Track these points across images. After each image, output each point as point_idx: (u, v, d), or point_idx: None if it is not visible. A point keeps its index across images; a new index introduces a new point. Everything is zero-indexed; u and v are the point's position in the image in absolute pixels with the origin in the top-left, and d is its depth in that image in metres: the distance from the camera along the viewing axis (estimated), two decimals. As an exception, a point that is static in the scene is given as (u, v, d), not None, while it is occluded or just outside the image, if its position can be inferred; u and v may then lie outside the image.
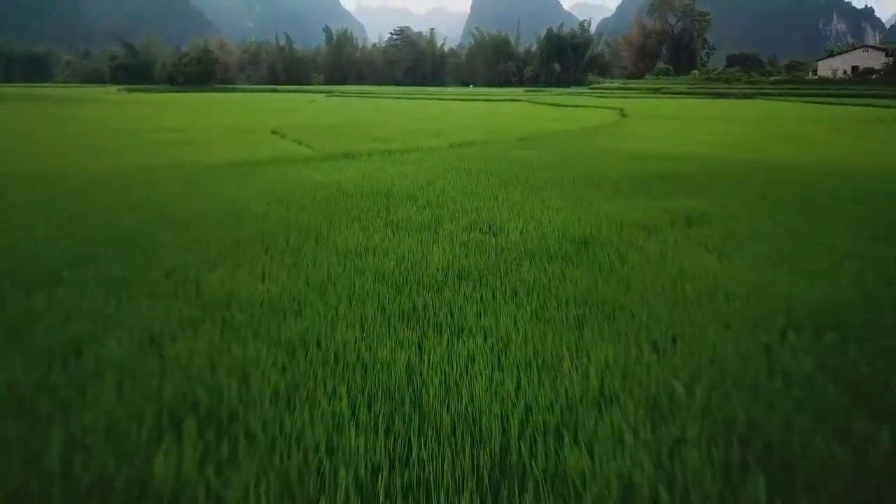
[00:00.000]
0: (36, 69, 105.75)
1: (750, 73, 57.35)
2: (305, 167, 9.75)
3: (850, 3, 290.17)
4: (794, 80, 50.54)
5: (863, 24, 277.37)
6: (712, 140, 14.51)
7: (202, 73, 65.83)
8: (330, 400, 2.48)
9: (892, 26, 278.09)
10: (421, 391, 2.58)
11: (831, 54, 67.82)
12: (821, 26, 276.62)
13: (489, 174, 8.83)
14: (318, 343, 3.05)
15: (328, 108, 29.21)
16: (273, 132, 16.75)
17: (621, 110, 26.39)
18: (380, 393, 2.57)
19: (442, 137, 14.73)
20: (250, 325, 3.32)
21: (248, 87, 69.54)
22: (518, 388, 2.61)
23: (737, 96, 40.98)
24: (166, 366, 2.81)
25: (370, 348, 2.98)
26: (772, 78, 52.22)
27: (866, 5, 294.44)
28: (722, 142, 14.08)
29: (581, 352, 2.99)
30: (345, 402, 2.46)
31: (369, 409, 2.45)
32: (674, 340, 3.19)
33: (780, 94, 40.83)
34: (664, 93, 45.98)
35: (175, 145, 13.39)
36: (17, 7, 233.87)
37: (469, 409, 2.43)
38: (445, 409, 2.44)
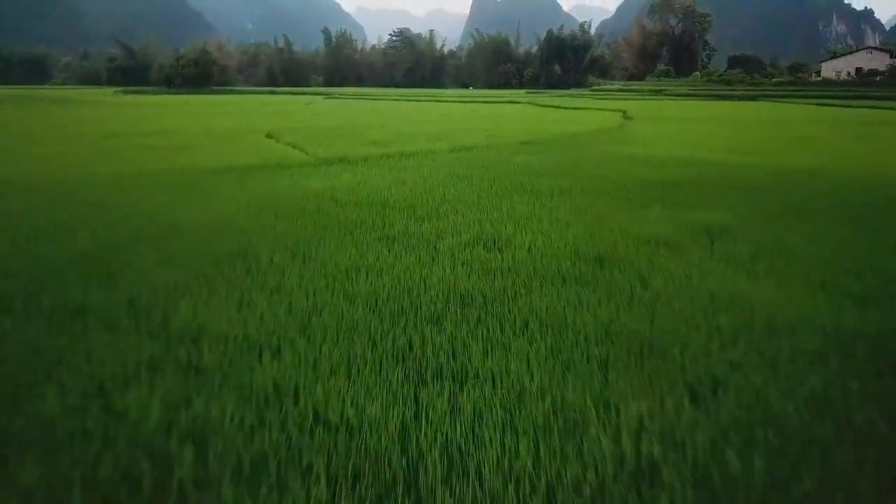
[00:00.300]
0: (34, 71, 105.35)
1: (752, 74, 56.90)
2: (298, 173, 9.28)
3: (849, 5, 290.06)
4: (797, 82, 50.10)
5: (863, 26, 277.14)
6: (722, 144, 14.04)
7: (200, 74, 65.23)
8: (304, 480, 2.00)
9: (892, 28, 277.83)
10: (418, 465, 2.10)
11: (834, 56, 67.36)
12: (821, 28, 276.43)
13: (492, 181, 8.37)
14: (296, 395, 2.57)
15: (325, 111, 28.76)
16: (268, 135, 16.28)
17: (624, 112, 25.94)
18: (367, 467, 2.09)
19: (442, 141, 14.27)
20: (219, 368, 2.84)
21: (245, 89, 69.04)
22: (537, 460, 2.13)
23: (740, 98, 40.53)
24: (111, 426, 2.33)
25: (357, 403, 2.50)
26: (774, 80, 51.78)
27: (866, 7, 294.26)
28: (732, 145, 13.61)
29: (609, 406, 2.51)
30: (322, 482, 1.98)
31: (353, 489, 1.97)
32: (715, 388, 2.71)
33: (784, 96, 40.40)
34: (666, 94, 45.54)
35: (166, 150, 12.91)
36: (16, 8, 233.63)
37: (478, 494, 1.95)
38: (448, 491, 1.96)
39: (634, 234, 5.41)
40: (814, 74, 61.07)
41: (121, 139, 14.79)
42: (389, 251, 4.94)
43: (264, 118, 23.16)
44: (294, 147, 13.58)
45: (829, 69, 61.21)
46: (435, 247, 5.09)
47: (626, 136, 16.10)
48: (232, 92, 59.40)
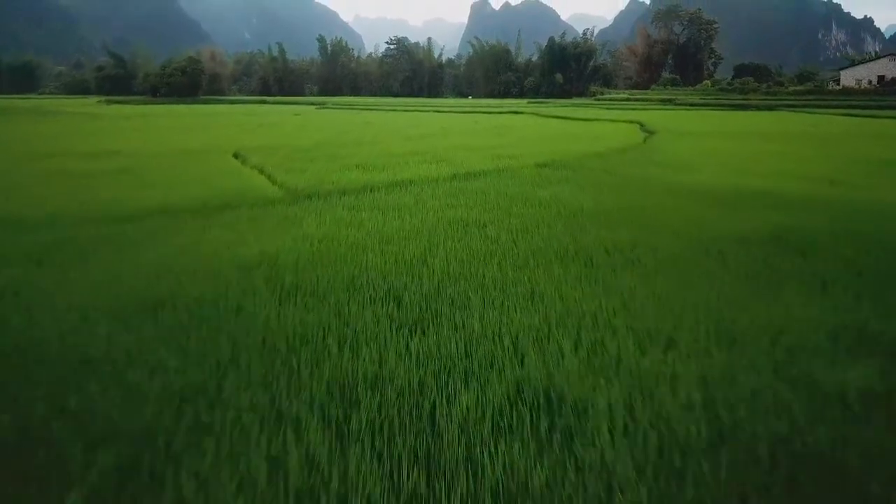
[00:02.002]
0: (23, 80, 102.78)
1: (767, 83, 54.50)
2: (244, 220, 6.72)
3: (849, 14, 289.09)
4: (817, 91, 47.66)
5: (862, 35, 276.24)
6: (782, 166, 11.51)
7: (187, 84, 62.16)
8: None
9: (891, 36, 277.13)
10: None
11: (853, 63, 64.73)
12: (820, 36, 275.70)
13: (515, 234, 5.83)
14: None
15: (313, 123, 26.21)
16: (235, 155, 13.76)
17: (642, 125, 23.45)
18: None
19: (441, 164, 11.75)
20: None
21: (235, 98, 66.23)
22: None
23: (757, 108, 38.12)
24: None
25: None
26: (791, 88, 49.37)
27: (865, 15, 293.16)
28: (797, 170, 11.07)
29: None
30: None
31: None
32: None
33: (804, 106, 37.95)
34: (677, 104, 43.13)
35: (100, 176, 10.37)
36: (10, 17, 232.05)
37: None
38: None
39: (803, 377, 2.83)
40: (832, 83, 58.56)
41: (52, 161, 12.22)
42: (342, 442, 2.37)
43: (242, 132, 20.63)
44: (261, 172, 11.06)
45: (850, 77, 58.27)
46: (432, 419, 2.54)
47: (660, 155, 13.56)
48: (221, 102, 56.74)
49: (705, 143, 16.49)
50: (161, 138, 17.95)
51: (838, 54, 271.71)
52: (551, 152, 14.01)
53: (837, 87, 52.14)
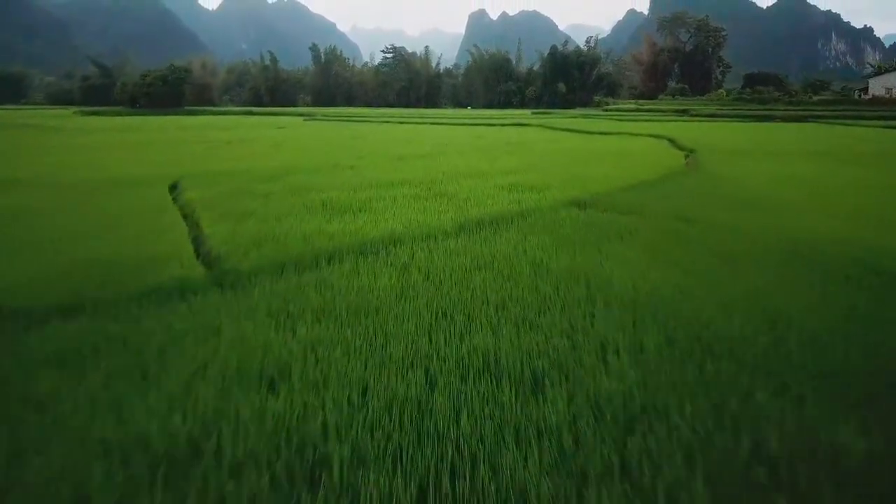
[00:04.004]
0: (10, 90, 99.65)
1: (781, 92, 51.53)
2: (72, 346, 3.51)
3: (849, 23, 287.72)
4: (844, 101, 44.58)
5: (862, 44, 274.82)
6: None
7: (169, 93, 58.31)
8: None
9: (891, 45, 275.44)
10: None
11: (880, 71, 61.32)
12: (819, 46, 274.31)
13: (603, 417, 2.61)
14: None
15: (293, 138, 23.02)
16: (174, 185, 10.62)
17: (672, 141, 20.33)
18: None
19: (442, 201, 8.63)
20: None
21: (221, 109, 62.62)
22: None
23: (783, 119, 35.10)
24: None
25: None
26: (816, 98, 46.34)
27: (865, 25, 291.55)
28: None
29: None
30: None
31: None
32: None
33: (836, 117, 34.89)
34: (693, 115, 40.12)
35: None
36: (4, 29, 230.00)
37: None
38: None
39: None
40: (859, 92, 55.32)
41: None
42: None
43: (207, 150, 17.49)
44: (189, 216, 7.92)
45: (879, 85, 54.43)
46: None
47: (726, 186, 10.41)
48: (204, 113, 53.32)
49: (767, 166, 13.36)
50: (100, 161, 14.76)
51: (838, 64, 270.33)
52: (582, 180, 10.88)
53: (867, 97, 49.04)
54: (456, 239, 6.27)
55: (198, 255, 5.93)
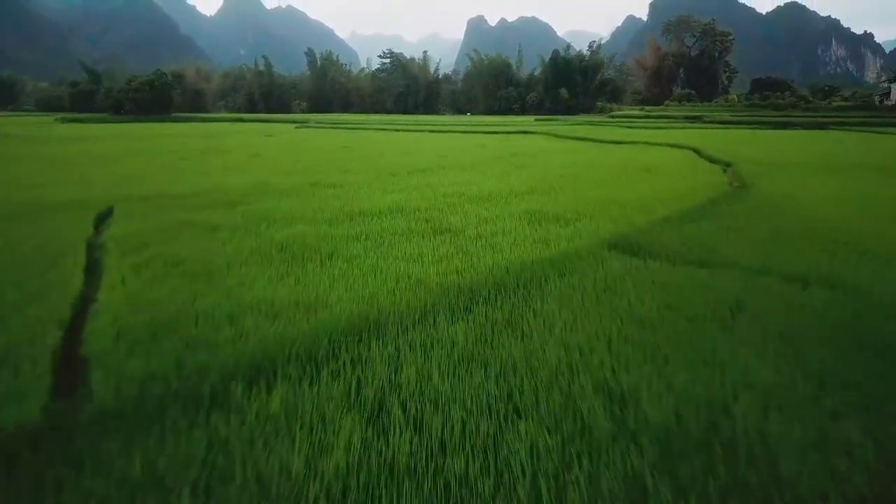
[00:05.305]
0: (1, 96, 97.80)
1: (807, 99, 49.33)
2: None
3: (849, 29, 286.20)
4: (865, 107, 42.51)
5: (862, 50, 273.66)
6: None
7: (156, 100, 55.93)
8: None
9: (892, 50, 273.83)
10: None
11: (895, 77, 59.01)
12: (819, 52, 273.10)
13: None
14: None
15: (277, 149, 20.79)
16: (106, 213, 8.48)
17: (698, 152, 18.20)
18: None
19: (445, 241, 6.52)
20: None
21: (212, 116, 60.24)
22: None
23: (803, 126, 33.02)
24: None
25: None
26: (836, 104, 44.27)
27: (865, 31, 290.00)
28: None
29: None
30: None
31: None
32: None
33: (859, 124, 32.79)
34: (706, 122, 38.03)
35: None
36: (2, 35, 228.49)
37: None
38: None
39: None
40: (880, 97, 53.09)
41: None
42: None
43: (173, 162, 15.35)
44: (98, 264, 5.75)
45: None
46: None
47: (808, 219, 8.23)
48: (191, 120, 51.05)
49: (835, 184, 11.21)
50: (35, 178, 12.57)
51: (838, 69, 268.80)
52: (617, 205, 8.73)
53: (890, 103, 46.90)
54: (465, 321, 4.06)
55: (61, 356, 3.73)
